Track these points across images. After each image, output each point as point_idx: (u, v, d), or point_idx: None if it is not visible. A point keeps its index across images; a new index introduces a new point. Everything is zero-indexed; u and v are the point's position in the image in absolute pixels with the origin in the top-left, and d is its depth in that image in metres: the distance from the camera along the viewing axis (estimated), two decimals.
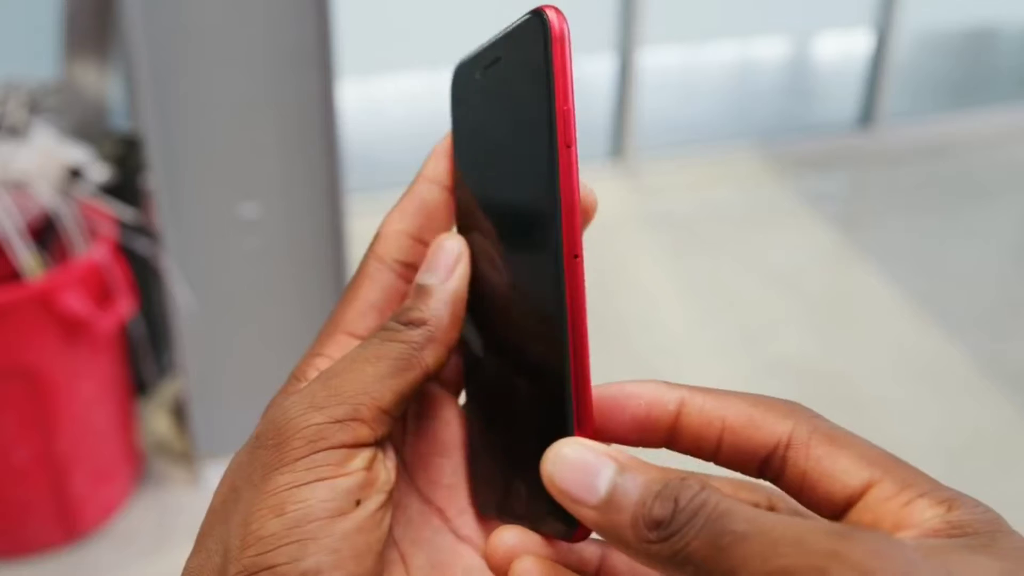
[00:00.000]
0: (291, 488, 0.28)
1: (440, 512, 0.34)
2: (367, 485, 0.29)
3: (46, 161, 1.34)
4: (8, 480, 1.40)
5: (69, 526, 1.46)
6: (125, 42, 1.52)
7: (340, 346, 0.33)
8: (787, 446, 0.27)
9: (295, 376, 0.33)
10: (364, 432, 0.29)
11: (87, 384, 1.41)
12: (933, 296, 2.23)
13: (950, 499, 0.26)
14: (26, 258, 1.31)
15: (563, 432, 0.28)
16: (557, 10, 0.29)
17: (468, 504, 0.34)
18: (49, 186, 1.34)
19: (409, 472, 0.34)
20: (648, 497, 0.25)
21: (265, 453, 0.30)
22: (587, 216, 0.32)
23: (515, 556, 0.29)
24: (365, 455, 0.30)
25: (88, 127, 1.63)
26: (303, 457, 0.29)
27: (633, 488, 0.26)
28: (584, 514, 0.27)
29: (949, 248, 2.48)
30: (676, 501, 0.25)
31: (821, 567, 0.22)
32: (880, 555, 0.22)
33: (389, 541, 0.32)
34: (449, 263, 0.33)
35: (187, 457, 1.61)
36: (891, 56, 3.03)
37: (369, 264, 0.34)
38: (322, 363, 0.33)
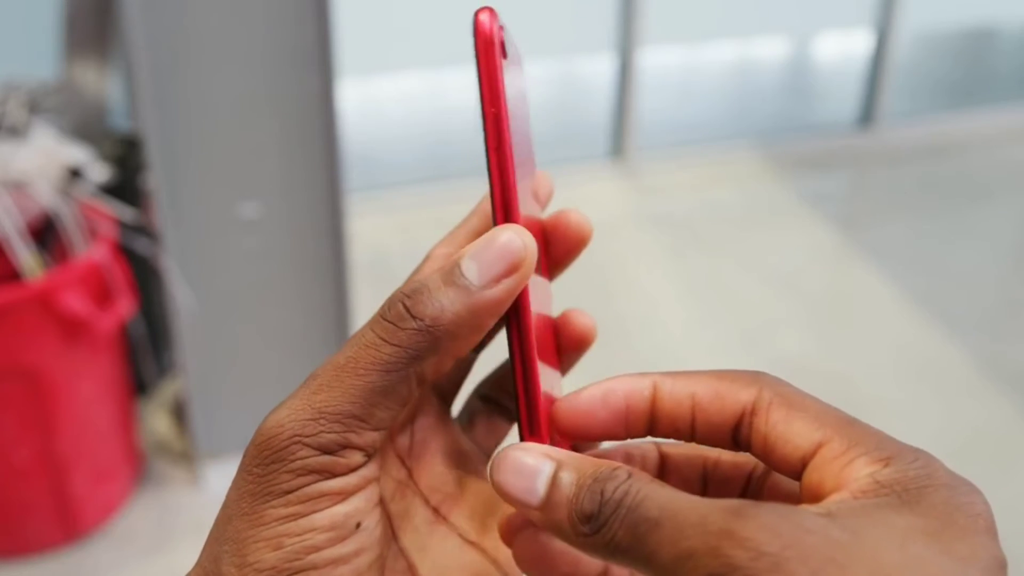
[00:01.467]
0: (287, 522, 0.28)
1: (445, 519, 0.33)
2: (363, 505, 0.29)
3: (46, 161, 1.34)
4: (8, 480, 1.40)
5: (69, 526, 1.46)
6: (125, 42, 1.52)
7: None
8: (752, 413, 0.28)
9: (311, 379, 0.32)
10: (356, 458, 0.29)
11: (87, 384, 1.41)
12: (933, 296, 2.23)
13: (888, 456, 0.26)
14: (26, 258, 1.31)
15: (518, 437, 0.29)
16: (491, 11, 0.29)
17: (475, 510, 0.34)
18: (49, 186, 1.34)
19: (414, 480, 0.34)
20: (580, 492, 0.26)
21: (254, 483, 0.29)
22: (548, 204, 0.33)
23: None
24: (360, 475, 0.29)
25: (88, 127, 1.63)
26: (294, 491, 0.28)
27: (568, 485, 0.27)
28: (530, 515, 0.28)
29: (949, 248, 2.48)
30: (602, 494, 0.26)
31: (715, 546, 0.23)
32: (770, 528, 0.23)
33: (395, 551, 0.32)
34: (499, 265, 0.29)
35: (187, 457, 1.61)
36: (891, 56, 3.03)
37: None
38: None
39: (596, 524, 0.26)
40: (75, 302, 1.31)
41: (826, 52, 4.11)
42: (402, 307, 0.29)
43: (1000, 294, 2.36)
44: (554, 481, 0.27)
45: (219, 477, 1.56)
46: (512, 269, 0.29)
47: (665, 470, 0.32)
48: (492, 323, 0.30)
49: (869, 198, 2.92)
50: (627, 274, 2.33)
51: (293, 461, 0.28)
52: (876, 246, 2.48)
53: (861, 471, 0.26)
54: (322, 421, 0.28)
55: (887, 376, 1.97)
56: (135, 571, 1.44)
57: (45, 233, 1.36)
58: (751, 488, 0.31)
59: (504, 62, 0.30)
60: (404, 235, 2.44)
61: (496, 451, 0.29)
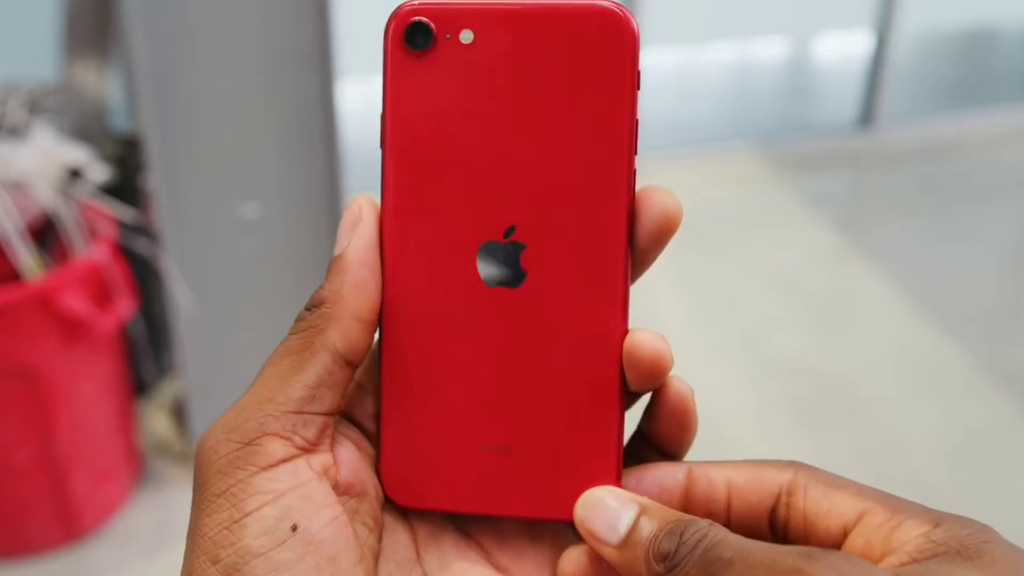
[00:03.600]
0: (220, 531, 0.28)
1: (478, 545, 0.33)
2: (301, 505, 0.28)
3: (46, 161, 1.34)
4: (8, 480, 1.40)
5: (69, 526, 1.46)
6: (125, 42, 1.53)
7: None
8: (789, 493, 0.30)
9: None
10: (277, 446, 0.28)
11: (87, 384, 1.41)
12: (933, 296, 2.23)
13: (938, 518, 0.27)
14: (26, 258, 1.31)
15: (600, 477, 0.31)
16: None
17: (506, 535, 0.33)
18: (49, 186, 1.34)
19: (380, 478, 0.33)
20: (660, 534, 0.28)
21: (194, 495, 0.29)
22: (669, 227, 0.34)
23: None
24: (289, 471, 0.28)
25: (88, 127, 1.63)
26: (221, 494, 0.28)
27: (648, 528, 0.28)
28: (605, 552, 0.29)
29: (949, 248, 2.48)
30: (681, 535, 0.27)
31: None
32: (838, 571, 0.24)
33: (419, 573, 0.31)
34: (347, 230, 0.31)
35: (187, 457, 1.61)
36: (891, 57, 3.03)
37: None
38: None
39: (671, 563, 0.27)
40: (75, 302, 1.31)
41: (826, 53, 4.11)
42: (302, 310, 0.31)
43: (1000, 294, 2.36)
44: (636, 523, 0.29)
45: None
46: (355, 222, 0.31)
47: None
48: (372, 278, 0.30)
49: (869, 198, 2.92)
50: None
51: (219, 459, 0.28)
52: (876, 246, 2.48)
53: (912, 532, 0.27)
54: (242, 415, 0.29)
55: (887, 376, 1.97)
56: (135, 571, 1.44)
57: (45, 233, 1.36)
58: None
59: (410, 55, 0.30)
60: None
61: (585, 493, 0.30)
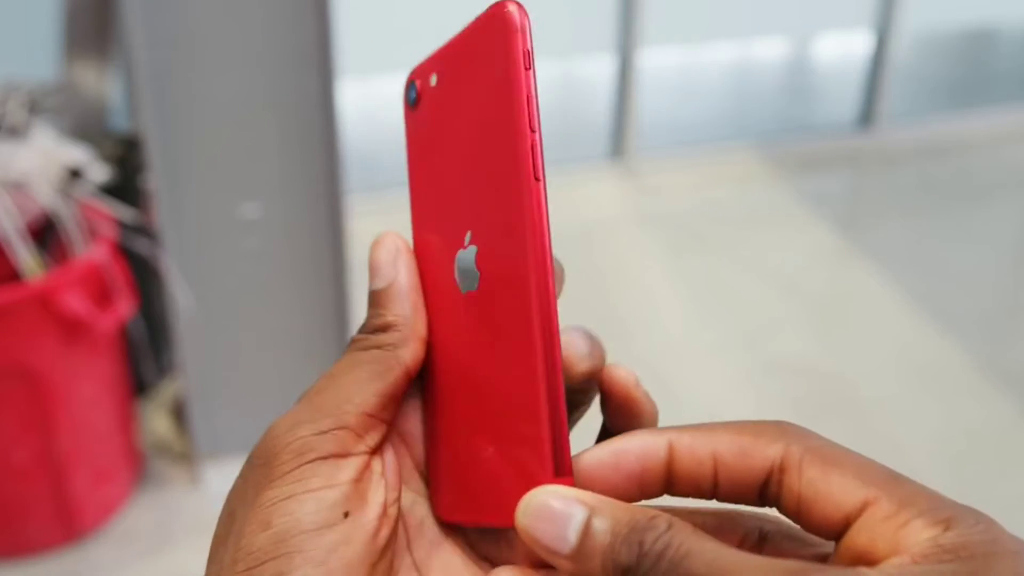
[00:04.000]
0: (278, 502, 0.28)
1: (463, 535, 0.33)
2: (357, 497, 0.29)
3: (46, 161, 1.34)
4: (8, 480, 1.40)
5: (69, 526, 1.46)
6: (125, 42, 1.53)
7: None
8: (781, 470, 0.27)
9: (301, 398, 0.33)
10: (351, 440, 0.30)
11: (87, 384, 1.41)
12: (933, 296, 2.23)
13: (948, 518, 0.24)
14: (26, 258, 1.31)
15: (538, 477, 0.28)
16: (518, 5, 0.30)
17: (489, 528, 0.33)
18: (49, 186, 1.34)
19: (430, 495, 0.34)
20: (616, 542, 0.25)
21: (256, 472, 0.30)
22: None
23: None
24: (354, 464, 0.30)
25: (88, 127, 1.63)
26: (291, 471, 0.29)
27: (602, 533, 0.26)
28: (559, 564, 0.27)
29: (949, 248, 2.48)
30: (641, 545, 0.25)
31: None
32: None
33: (408, 563, 0.32)
34: (390, 260, 0.33)
35: (187, 457, 1.61)
36: (891, 57, 3.03)
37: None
38: None
39: None
40: (75, 302, 1.31)
41: (826, 53, 4.11)
42: (359, 334, 0.33)
43: (1000, 294, 2.36)
44: (587, 529, 0.26)
45: (219, 477, 1.56)
46: (396, 255, 0.34)
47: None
48: (419, 297, 0.33)
49: (869, 198, 2.92)
50: (627, 274, 2.33)
51: (293, 442, 0.29)
52: (876, 246, 2.48)
53: (920, 534, 0.24)
54: (320, 411, 0.30)
55: (887, 376, 1.97)
56: (135, 571, 1.44)
57: (45, 233, 1.36)
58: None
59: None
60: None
61: (525, 496, 0.27)
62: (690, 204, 2.68)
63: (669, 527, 0.25)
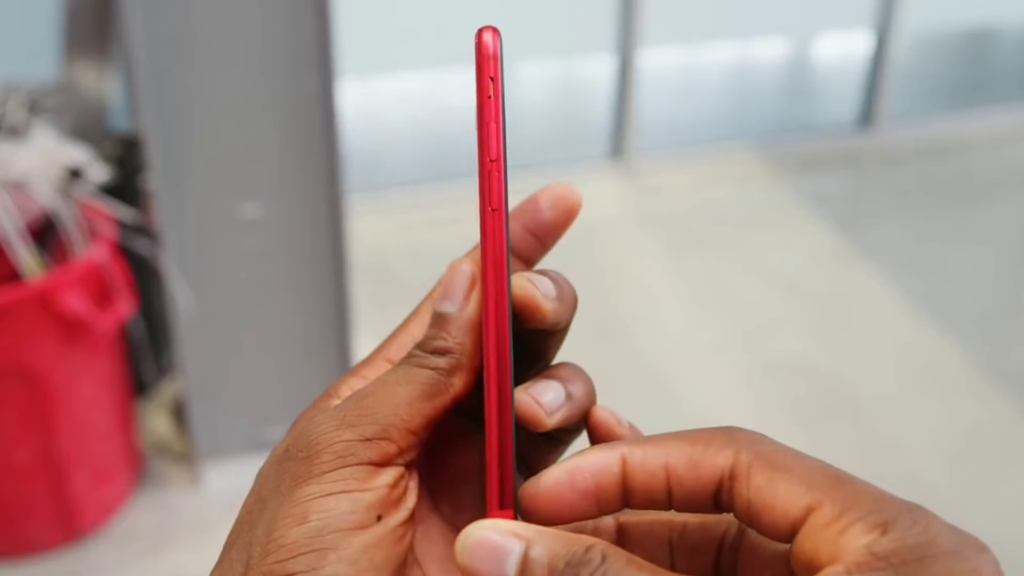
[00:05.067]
0: (316, 499, 0.29)
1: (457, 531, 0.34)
2: (390, 502, 0.30)
3: (46, 161, 1.34)
4: (8, 480, 1.40)
5: (69, 526, 1.46)
6: (125, 42, 1.53)
7: (377, 370, 0.34)
8: (731, 478, 0.27)
9: (328, 393, 0.34)
10: (392, 451, 0.30)
11: (87, 384, 1.41)
12: (933, 296, 2.23)
13: (886, 521, 0.24)
14: (26, 258, 1.31)
15: (487, 510, 0.30)
16: (494, 30, 0.30)
17: None
18: (49, 186, 1.34)
19: (433, 497, 0.34)
20: (555, 574, 0.26)
21: (294, 465, 0.30)
22: (566, 217, 0.34)
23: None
24: (391, 473, 0.30)
25: (88, 127, 1.63)
26: (331, 471, 0.29)
27: (539, 567, 0.26)
28: None
29: (949, 248, 2.48)
30: None
31: None
32: None
33: (411, 560, 0.32)
34: (465, 287, 0.33)
35: (187, 457, 1.61)
36: (891, 57, 3.03)
37: (425, 302, 0.35)
38: (357, 383, 0.33)
39: None
40: (75, 302, 1.31)
41: (826, 53, 4.11)
42: (426, 352, 0.33)
43: (1000, 294, 2.36)
44: (524, 563, 0.27)
45: (219, 477, 1.56)
46: (472, 286, 0.32)
47: (625, 543, 0.31)
48: (478, 335, 0.32)
49: (869, 198, 2.92)
50: (627, 274, 2.33)
51: (336, 443, 0.30)
52: (876, 247, 2.48)
53: (858, 541, 0.24)
54: (367, 416, 0.30)
55: (887, 376, 1.97)
56: (135, 571, 1.44)
57: (45, 233, 1.36)
58: (725, 553, 0.30)
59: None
60: (404, 235, 2.44)
61: (464, 531, 0.28)
62: (690, 204, 2.68)
63: (603, 559, 0.26)
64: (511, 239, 0.32)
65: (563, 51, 3.08)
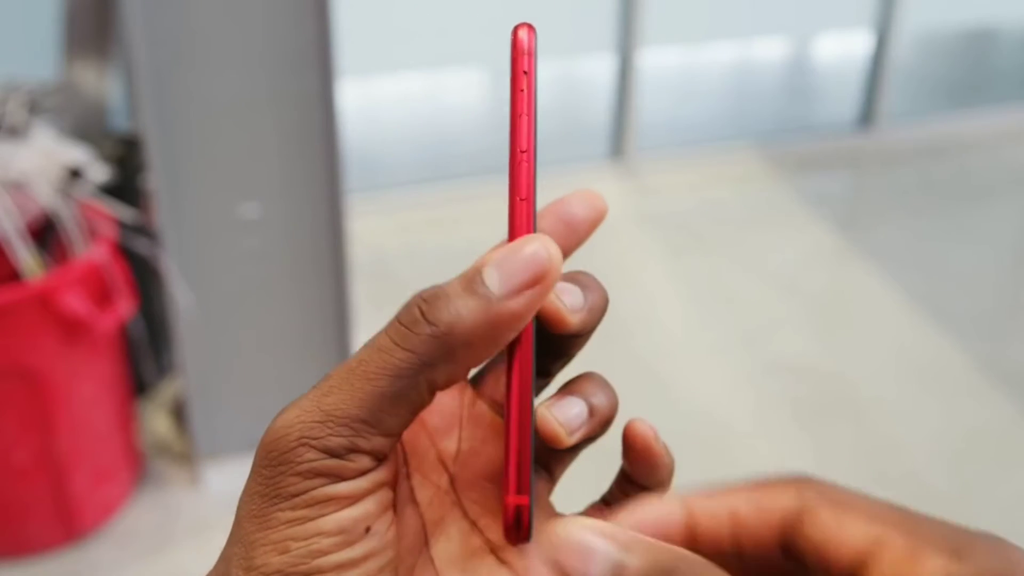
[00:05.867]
0: (293, 526, 0.27)
1: (483, 535, 0.33)
2: (376, 512, 0.28)
3: (46, 161, 1.34)
4: (8, 480, 1.40)
5: (69, 526, 1.46)
6: (125, 42, 1.53)
7: None
8: (797, 518, 0.27)
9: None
10: (364, 462, 0.28)
11: (87, 384, 1.41)
12: (933, 296, 2.23)
13: (960, 547, 0.24)
14: (26, 258, 1.31)
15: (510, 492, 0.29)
16: (529, 27, 0.31)
17: None
18: (49, 186, 1.34)
19: (457, 491, 0.33)
20: None
21: (262, 484, 0.28)
22: (593, 220, 0.33)
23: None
24: (369, 479, 0.28)
25: (88, 127, 1.63)
26: (302, 494, 0.28)
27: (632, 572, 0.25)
28: None
29: (949, 248, 2.48)
30: None
31: None
32: None
33: (425, 560, 0.31)
34: (523, 276, 0.28)
35: (187, 457, 1.61)
36: (891, 56, 3.03)
37: None
38: None
39: None
40: (75, 302, 1.31)
41: (826, 53, 4.11)
42: (418, 311, 0.28)
43: (1000, 294, 2.36)
44: (616, 566, 0.25)
45: (219, 477, 1.56)
46: (536, 280, 0.28)
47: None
48: (510, 337, 0.28)
49: (869, 198, 2.92)
50: (627, 274, 2.33)
51: (300, 464, 0.28)
52: (876, 246, 2.48)
53: (934, 568, 0.24)
54: (330, 424, 0.28)
55: (887, 376, 1.97)
56: (135, 571, 1.44)
57: (45, 233, 1.36)
58: None
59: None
60: (404, 235, 2.44)
61: (559, 527, 0.26)
62: (690, 204, 2.68)
63: (704, 569, 0.25)
64: (543, 230, 0.32)
65: (563, 51, 3.08)
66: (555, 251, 0.29)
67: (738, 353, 2.02)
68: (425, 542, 0.32)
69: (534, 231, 0.29)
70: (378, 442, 0.28)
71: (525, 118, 0.29)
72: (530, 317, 0.28)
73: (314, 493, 0.27)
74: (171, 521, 1.52)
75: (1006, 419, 1.84)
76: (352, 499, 0.28)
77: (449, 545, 0.32)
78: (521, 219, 0.29)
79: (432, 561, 0.32)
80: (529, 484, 0.29)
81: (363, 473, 0.28)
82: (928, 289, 2.26)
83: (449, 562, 0.32)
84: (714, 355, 2.02)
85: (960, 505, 1.57)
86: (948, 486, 1.63)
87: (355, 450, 0.28)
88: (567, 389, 0.32)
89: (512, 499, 0.29)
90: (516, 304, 0.28)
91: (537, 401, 0.31)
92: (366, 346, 0.29)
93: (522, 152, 0.29)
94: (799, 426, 1.79)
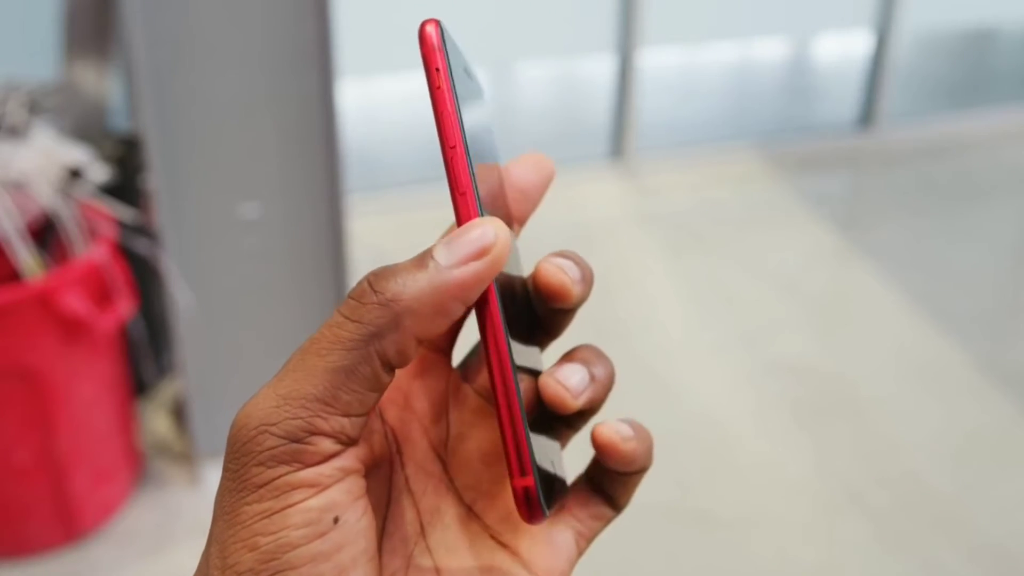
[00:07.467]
0: (260, 519, 0.27)
1: (479, 519, 0.33)
2: (344, 501, 0.28)
3: (46, 161, 1.34)
4: (8, 480, 1.40)
5: (69, 526, 1.46)
6: (125, 42, 1.53)
7: None
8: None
9: None
10: (326, 445, 0.27)
11: (87, 384, 1.41)
12: (933, 296, 2.23)
13: None
14: (26, 258, 1.31)
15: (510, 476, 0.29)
16: (436, 23, 0.30)
17: (510, 512, 0.33)
18: (49, 186, 1.34)
19: (450, 474, 0.33)
20: None
21: (230, 479, 0.28)
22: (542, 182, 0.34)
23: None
24: (334, 466, 0.28)
25: (88, 127, 1.63)
26: (265, 484, 0.27)
27: None
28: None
29: (949, 248, 2.48)
30: None
31: None
32: None
33: (422, 549, 0.31)
34: (468, 248, 0.28)
35: (187, 457, 1.61)
36: (891, 57, 3.03)
37: None
38: None
39: None
40: (75, 302, 1.31)
41: (826, 53, 4.11)
42: (366, 283, 0.29)
43: (1000, 294, 2.36)
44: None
45: (218, 477, 1.56)
46: (482, 253, 0.28)
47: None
48: (458, 309, 0.28)
49: (869, 198, 2.92)
50: (627, 274, 2.33)
51: (261, 452, 0.27)
52: (876, 246, 2.48)
53: None
54: (286, 407, 0.27)
55: (887, 376, 1.97)
56: (135, 571, 1.44)
57: (45, 233, 1.36)
58: None
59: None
60: (404, 235, 2.44)
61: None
62: (690, 204, 2.68)
63: None
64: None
65: (563, 51, 3.08)
66: (502, 230, 0.29)
67: (738, 353, 2.02)
68: (422, 532, 0.32)
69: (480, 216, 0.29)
70: (337, 423, 0.28)
71: (448, 115, 0.29)
72: (477, 289, 0.29)
73: (277, 482, 0.27)
74: (171, 521, 1.52)
75: (1006, 419, 1.84)
76: (317, 487, 0.27)
77: (446, 533, 0.32)
78: (466, 210, 0.29)
79: (429, 550, 0.32)
80: (530, 463, 0.29)
81: (326, 459, 0.27)
82: (928, 289, 2.26)
83: (447, 550, 0.32)
84: (714, 355, 2.02)
85: (960, 505, 1.57)
86: (948, 486, 1.63)
87: (315, 432, 0.27)
88: (566, 358, 0.32)
89: (518, 482, 0.29)
90: (461, 273, 0.28)
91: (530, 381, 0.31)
92: (323, 326, 0.29)
93: (452, 148, 0.29)
94: (799, 426, 1.79)
